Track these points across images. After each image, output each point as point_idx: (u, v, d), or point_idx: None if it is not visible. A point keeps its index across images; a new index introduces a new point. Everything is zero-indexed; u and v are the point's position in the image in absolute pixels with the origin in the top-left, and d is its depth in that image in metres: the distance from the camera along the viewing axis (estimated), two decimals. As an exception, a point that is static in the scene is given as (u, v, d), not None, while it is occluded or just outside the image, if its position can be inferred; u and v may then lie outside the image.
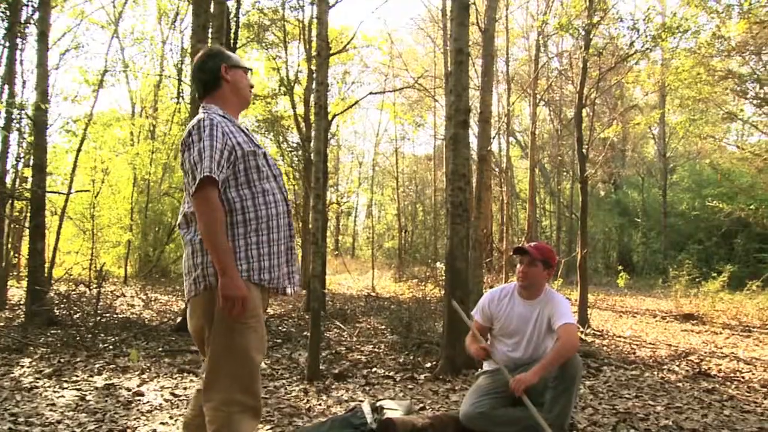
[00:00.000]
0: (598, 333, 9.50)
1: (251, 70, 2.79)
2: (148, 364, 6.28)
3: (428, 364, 6.17)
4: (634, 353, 7.72)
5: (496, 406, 3.76)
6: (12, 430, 4.38)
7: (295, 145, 17.61)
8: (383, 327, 8.62)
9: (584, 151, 10.57)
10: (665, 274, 16.67)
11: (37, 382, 5.68)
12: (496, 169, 22.32)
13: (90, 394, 5.26)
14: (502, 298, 4.06)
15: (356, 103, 16.69)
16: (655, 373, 6.39)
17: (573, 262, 14.19)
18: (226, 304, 2.40)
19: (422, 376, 5.80)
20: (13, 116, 11.65)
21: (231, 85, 2.69)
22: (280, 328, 8.58)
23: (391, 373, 5.96)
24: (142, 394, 5.23)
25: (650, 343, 8.62)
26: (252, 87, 2.82)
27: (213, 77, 2.70)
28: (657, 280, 17.38)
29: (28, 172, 12.27)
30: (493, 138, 19.23)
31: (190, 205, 2.55)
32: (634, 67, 12.78)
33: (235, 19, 12.56)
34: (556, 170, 24.83)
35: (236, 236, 2.50)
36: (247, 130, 2.71)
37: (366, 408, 3.84)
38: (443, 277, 12.28)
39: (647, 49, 10.48)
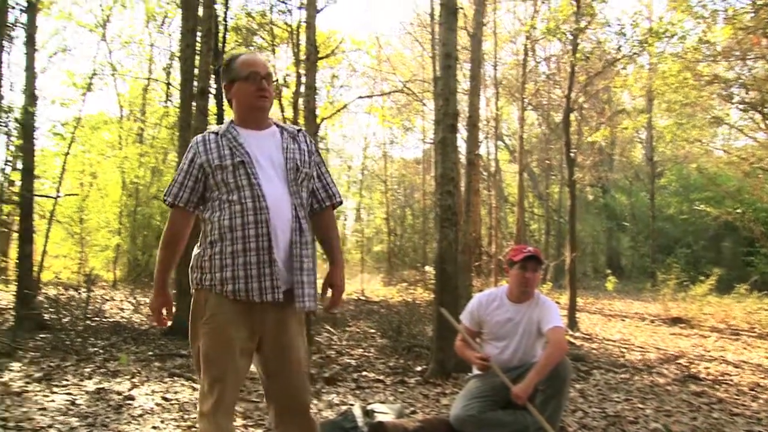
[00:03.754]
0: (587, 336, 9.54)
1: (256, 72, 2.71)
2: (139, 368, 6.25)
3: (418, 368, 6.18)
4: (624, 356, 7.76)
5: (487, 410, 3.77)
6: (1, 435, 4.35)
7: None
8: (373, 331, 8.63)
9: (572, 155, 10.62)
10: (654, 278, 16.76)
11: (27, 387, 5.64)
12: (485, 173, 22.37)
13: (81, 398, 5.22)
14: (490, 303, 4.06)
15: (345, 106, 16.71)
16: (645, 376, 6.43)
17: (562, 265, 14.26)
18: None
19: (413, 380, 5.80)
20: (1, 119, 11.58)
21: (234, 101, 2.79)
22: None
23: (382, 377, 5.96)
24: (132, 398, 5.21)
25: (639, 347, 8.67)
26: (261, 89, 2.71)
27: (226, 98, 2.87)
28: (645, 284, 17.45)
29: (15, 176, 12.18)
30: (482, 142, 19.33)
31: None
32: (621, 72, 12.86)
33: (223, 22, 12.55)
34: (544, 174, 24.93)
35: (204, 246, 2.64)
36: (239, 138, 2.69)
37: (357, 411, 3.83)
38: (432, 281, 12.32)
39: (634, 53, 10.57)
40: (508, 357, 3.94)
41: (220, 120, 11.60)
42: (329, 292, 2.79)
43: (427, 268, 14.80)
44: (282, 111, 15.77)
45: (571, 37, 10.50)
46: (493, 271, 17.03)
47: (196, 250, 2.69)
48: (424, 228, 21.96)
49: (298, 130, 2.86)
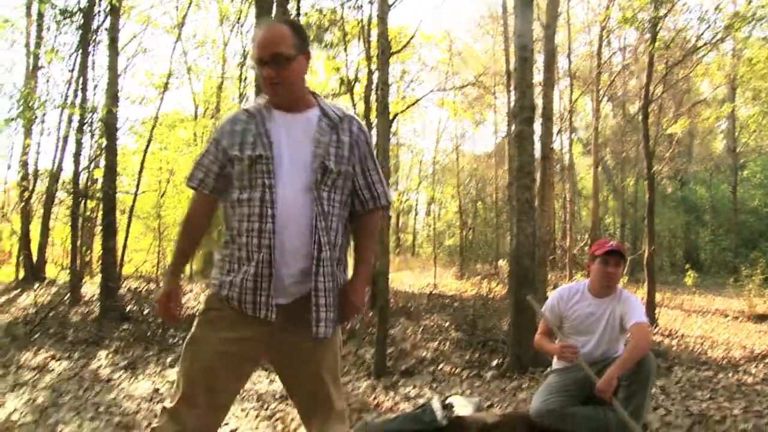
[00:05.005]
0: (667, 333, 9.27)
1: (259, 58, 2.34)
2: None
3: (494, 362, 6.14)
4: (706, 354, 7.51)
5: (568, 404, 3.72)
6: (95, 418, 4.55)
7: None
8: (447, 324, 8.61)
9: (650, 147, 10.33)
10: (736, 273, 16.13)
11: (114, 374, 5.90)
12: (558, 167, 22.01)
13: (163, 386, 5.42)
14: (572, 297, 3.98)
15: (417, 101, 16.67)
16: (730, 374, 6.20)
17: (638, 260, 13.89)
18: None
19: (489, 374, 5.77)
20: (86, 119, 12.08)
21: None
22: (344, 325, 8.65)
23: (458, 371, 5.95)
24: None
25: (722, 344, 8.37)
26: (267, 76, 2.35)
27: None
28: (727, 279, 16.81)
29: (98, 173, 12.69)
30: (556, 135, 18.99)
31: None
32: (702, 60, 12.40)
33: (296, 20, 12.71)
34: (619, 167, 24.33)
35: (222, 244, 2.45)
36: (267, 123, 2.39)
37: (436, 404, 3.83)
38: (506, 275, 12.21)
39: (718, 40, 10.17)
40: (590, 351, 3.86)
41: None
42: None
43: (500, 262, 14.66)
44: (354, 106, 15.88)
45: (649, 26, 10.18)
46: (567, 266, 16.77)
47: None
48: (497, 222, 21.76)
49: (343, 117, 2.46)
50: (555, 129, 15.84)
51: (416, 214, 35.02)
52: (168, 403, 2.39)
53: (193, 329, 2.42)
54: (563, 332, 4.03)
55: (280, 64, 2.31)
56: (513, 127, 6.52)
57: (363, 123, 2.52)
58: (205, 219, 2.47)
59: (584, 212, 25.99)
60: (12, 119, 12.39)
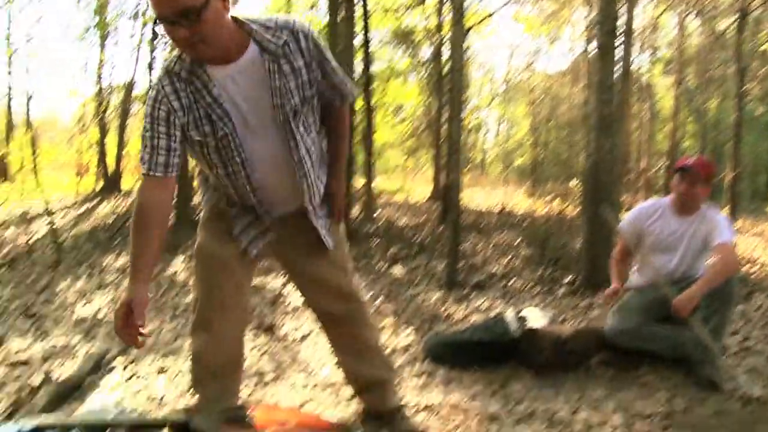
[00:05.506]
0: (747, 260, 8.97)
1: (162, 17, 1.90)
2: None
3: (566, 279, 6.07)
4: (789, 281, 7.24)
5: (644, 323, 3.64)
6: (173, 319, 4.73)
7: (426, 59, 17.35)
8: (518, 241, 8.54)
9: (742, 64, 9.76)
10: None
11: (189, 280, 6.08)
12: (636, 87, 21.13)
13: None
14: (652, 213, 3.79)
15: (492, 14, 16.07)
16: (815, 302, 5.97)
17: (719, 184, 13.39)
18: None
19: (560, 291, 5.71)
20: (159, 31, 12.10)
21: None
22: (414, 238, 8.70)
23: (529, 286, 5.92)
24: (284, 295, 5.48)
25: (807, 272, 8.05)
26: (181, 38, 1.93)
27: None
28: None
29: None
30: (636, 54, 18.17)
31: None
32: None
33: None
34: (703, 87, 23.19)
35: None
36: (213, 90, 2.11)
37: (509, 316, 3.81)
38: (580, 194, 11.97)
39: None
40: (671, 271, 3.72)
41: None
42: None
43: (572, 182, 14.37)
44: (426, 19, 15.51)
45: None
46: (642, 188, 16.34)
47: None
48: (570, 141, 21.23)
49: (285, 40, 2.10)
50: (636, 46, 15.18)
51: (486, 133, 34.53)
52: (192, 314, 2.47)
53: (198, 239, 2.44)
54: (643, 251, 3.91)
55: (190, 20, 1.87)
56: (593, 41, 6.22)
57: (305, 25, 2.16)
58: (160, 208, 2.11)
59: (660, 135, 25.03)
60: (88, 29, 12.54)
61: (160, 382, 3.38)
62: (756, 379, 3.42)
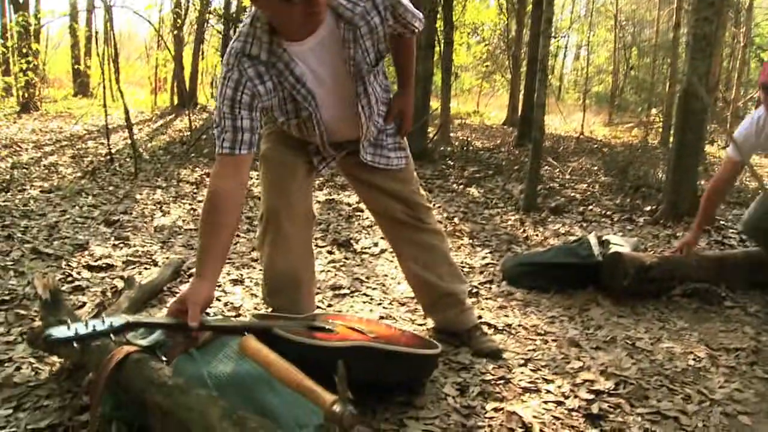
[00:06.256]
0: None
1: None
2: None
3: (647, 208, 5.85)
4: None
5: None
6: (248, 231, 4.77)
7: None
8: (597, 168, 8.29)
9: None
10: None
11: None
12: (732, 10, 19.88)
13: (315, 206, 5.58)
14: (760, 130, 3.41)
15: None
16: None
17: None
18: None
19: (641, 219, 5.51)
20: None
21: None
22: (490, 160, 8.54)
23: (609, 213, 5.73)
24: (361, 211, 5.47)
25: None
26: (312, 11, 1.87)
27: None
28: None
29: (247, 1, 12.71)
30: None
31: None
32: None
33: None
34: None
35: None
36: (295, 70, 2.07)
37: (593, 240, 3.69)
38: (661, 123, 11.50)
39: None
40: None
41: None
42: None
43: (654, 110, 13.80)
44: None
45: None
46: (728, 120, 15.54)
47: None
48: (653, 68, 20.32)
49: (361, 8, 2.04)
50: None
51: (564, 57, 33.36)
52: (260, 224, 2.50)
53: (263, 147, 2.43)
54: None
55: None
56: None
57: None
58: (243, 193, 2.06)
59: (754, 63, 23.65)
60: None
61: (237, 291, 3.41)
62: None
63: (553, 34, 25.46)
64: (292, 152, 2.39)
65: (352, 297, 3.40)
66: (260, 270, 3.60)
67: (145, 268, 3.75)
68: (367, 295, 3.43)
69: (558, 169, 8.09)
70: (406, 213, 2.55)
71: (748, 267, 3.70)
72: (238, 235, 4.63)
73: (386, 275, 3.80)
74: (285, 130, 2.35)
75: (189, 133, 10.26)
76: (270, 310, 2.56)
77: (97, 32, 19.18)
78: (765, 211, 3.45)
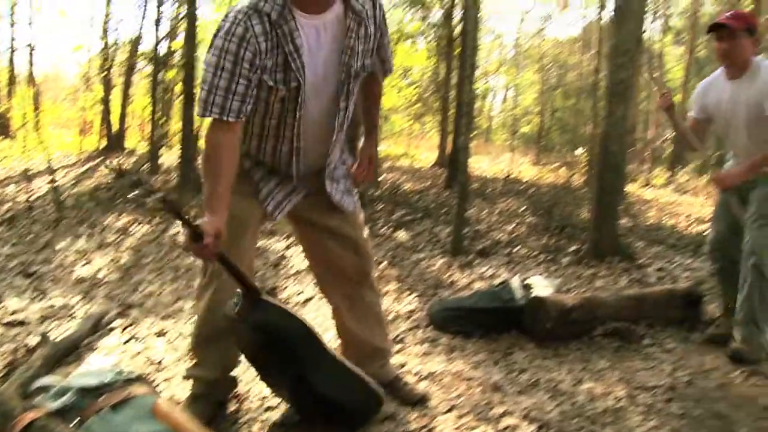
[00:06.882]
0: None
1: None
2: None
3: (572, 248, 6.00)
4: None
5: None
6: (174, 280, 4.69)
7: (437, 21, 17.07)
8: (523, 209, 8.47)
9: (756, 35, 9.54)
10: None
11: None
12: (647, 56, 20.84)
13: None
14: (710, 83, 3.46)
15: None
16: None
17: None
18: None
19: (565, 260, 5.65)
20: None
21: None
22: (419, 203, 8.64)
23: (534, 254, 5.85)
24: (287, 258, 5.44)
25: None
26: None
27: None
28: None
29: (178, 45, 12.64)
30: (650, 22, 17.87)
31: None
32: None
33: None
34: (713, 58, 22.89)
35: None
36: (297, 39, 2.10)
37: (515, 283, 3.76)
38: (586, 163, 11.86)
39: None
40: (731, 145, 3.44)
41: None
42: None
43: (578, 150, 14.25)
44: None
45: None
46: (648, 159, 16.20)
47: None
48: (577, 110, 21.01)
49: (366, 6, 2.19)
50: (647, 15, 14.90)
51: (493, 99, 34.21)
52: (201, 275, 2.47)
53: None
54: (716, 129, 3.57)
55: None
56: (606, 7, 6.06)
57: None
58: (234, 151, 2.12)
59: (670, 105, 24.68)
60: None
61: (159, 344, 3.33)
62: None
63: (481, 77, 26.18)
64: (246, 201, 2.33)
65: (277, 347, 3.35)
66: (187, 322, 3.54)
67: (63, 323, 3.62)
68: (293, 345, 3.39)
69: (486, 211, 8.23)
70: (355, 266, 2.55)
71: (666, 304, 3.85)
72: (163, 284, 4.54)
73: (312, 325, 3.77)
74: (254, 152, 2.33)
75: (116, 178, 10.03)
76: (194, 362, 2.50)
77: (18, 73, 18.73)
78: (719, 229, 3.57)
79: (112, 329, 3.51)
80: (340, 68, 2.18)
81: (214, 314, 2.38)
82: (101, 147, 15.57)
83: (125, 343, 3.34)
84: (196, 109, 2.11)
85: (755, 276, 3.22)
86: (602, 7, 13.74)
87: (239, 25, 2.00)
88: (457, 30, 12.40)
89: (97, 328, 3.42)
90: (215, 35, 2.06)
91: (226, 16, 2.05)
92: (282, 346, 2.14)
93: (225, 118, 2.03)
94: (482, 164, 15.95)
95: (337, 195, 2.43)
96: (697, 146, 3.63)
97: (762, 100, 3.11)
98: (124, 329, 3.54)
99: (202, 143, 9.75)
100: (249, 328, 2.10)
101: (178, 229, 6.56)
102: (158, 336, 3.45)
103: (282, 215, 2.42)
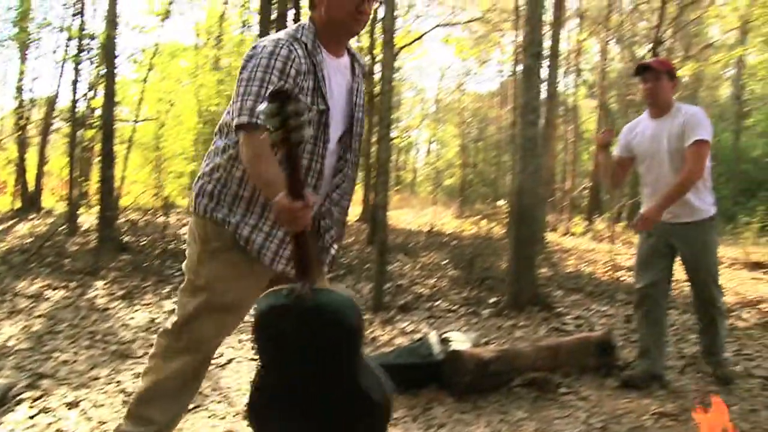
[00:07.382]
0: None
1: None
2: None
3: (492, 300, 6.14)
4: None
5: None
6: (91, 346, 4.55)
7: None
8: (445, 262, 8.62)
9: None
10: (734, 221, 16.09)
11: (110, 304, 5.89)
12: (562, 109, 21.75)
13: (160, 316, 5.41)
14: (636, 125, 3.81)
15: (423, 35, 16.37)
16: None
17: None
18: None
19: (485, 312, 5.78)
20: (84, 45, 11.82)
21: (324, 10, 2.21)
22: (342, 259, 8.67)
23: (455, 307, 5.96)
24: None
25: (718, 289, 8.36)
26: (361, 12, 2.18)
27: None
28: (725, 227, 16.79)
29: (96, 103, 12.48)
30: (562, 77, 18.68)
31: None
32: (716, 1, 12.09)
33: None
34: (623, 110, 24.04)
35: (227, 176, 2.36)
36: (324, 69, 2.22)
37: (433, 339, 3.83)
38: (505, 215, 12.19)
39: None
40: (652, 180, 3.68)
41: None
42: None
43: (499, 202, 14.63)
44: (358, 39, 15.57)
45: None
46: (566, 208, 16.73)
47: (212, 172, 2.34)
48: (498, 162, 21.67)
49: (360, 58, 2.43)
50: (561, 70, 15.62)
51: (416, 152, 34.87)
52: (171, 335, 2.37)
53: (203, 266, 2.31)
54: (638, 167, 3.84)
55: (371, 4, 2.22)
56: (520, 64, 6.36)
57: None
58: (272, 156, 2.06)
59: (585, 156, 25.77)
60: (6, 40, 12.12)
61: (71, 416, 3.22)
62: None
63: (404, 131, 26.70)
64: (243, 282, 2.31)
65: (194, 413, 3.29)
66: (102, 390, 3.45)
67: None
68: (210, 410, 3.34)
69: (408, 265, 8.35)
70: None
71: (581, 352, 3.98)
72: (77, 351, 4.40)
73: (230, 387, 3.73)
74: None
75: (31, 240, 9.72)
76: (134, 421, 2.38)
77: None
78: (650, 277, 3.81)
79: (19, 402, 3.38)
80: (347, 115, 2.31)
81: (183, 376, 2.34)
82: (15, 208, 15.07)
83: (33, 417, 3.20)
84: (240, 118, 2.07)
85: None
86: (517, 63, 14.34)
87: (283, 47, 2.13)
88: (378, 88, 12.67)
89: (4, 400, 3.29)
90: (253, 57, 2.14)
91: (263, 44, 2.16)
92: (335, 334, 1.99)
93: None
94: (407, 217, 16.17)
95: (328, 241, 2.39)
96: (617, 183, 4.00)
97: (683, 132, 3.49)
98: (34, 401, 3.40)
99: (123, 202, 9.55)
100: (307, 310, 1.91)
101: (95, 292, 6.41)
102: (70, 408, 3.34)
103: (281, 267, 2.28)
